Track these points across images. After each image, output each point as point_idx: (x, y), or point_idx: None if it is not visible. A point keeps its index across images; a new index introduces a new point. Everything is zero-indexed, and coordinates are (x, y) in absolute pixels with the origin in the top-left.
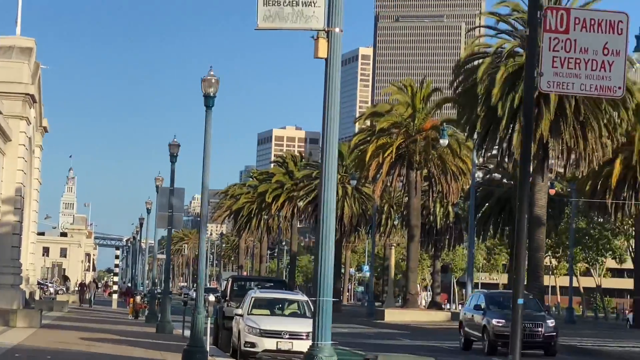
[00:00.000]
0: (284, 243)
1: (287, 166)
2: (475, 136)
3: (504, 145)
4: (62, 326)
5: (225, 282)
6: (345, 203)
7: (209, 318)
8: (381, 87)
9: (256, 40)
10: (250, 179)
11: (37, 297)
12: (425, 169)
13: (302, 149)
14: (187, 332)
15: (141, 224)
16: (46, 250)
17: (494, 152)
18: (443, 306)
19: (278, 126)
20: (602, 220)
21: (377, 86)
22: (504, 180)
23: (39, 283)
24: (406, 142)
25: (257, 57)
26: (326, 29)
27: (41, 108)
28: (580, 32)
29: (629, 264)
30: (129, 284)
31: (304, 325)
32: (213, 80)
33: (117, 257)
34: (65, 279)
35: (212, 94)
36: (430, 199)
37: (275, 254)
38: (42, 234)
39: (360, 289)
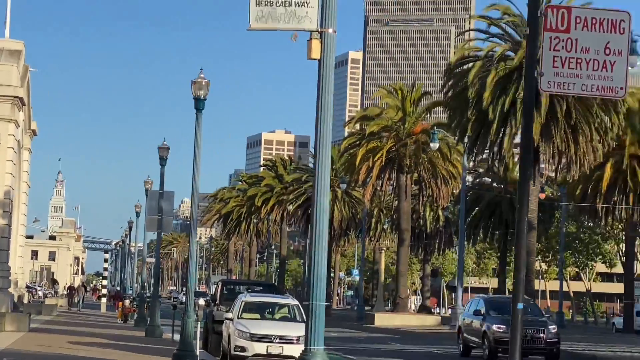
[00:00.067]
0: (273, 247)
1: (276, 170)
2: (465, 140)
3: (495, 149)
4: (51, 330)
5: (215, 285)
6: (335, 207)
7: (199, 322)
8: (371, 91)
9: (245, 44)
10: (240, 183)
11: (25, 301)
12: (416, 173)
13: (292, 153)
14: (177, 336)
15: (130, 228)
16: (35, 254)
17: (484, 156)
18: (432, 310)
19: (267, 130)
20: (592, 224)
21: (367, 90)
22: (494, 185)
23: (27, 286)
24: (396, 146)
25: (247, 60)
26: (319, 30)
27: (30, 111)
28: (582, 31)
29: (618, 269)
30: (118, 288)
31: (295, 330)
32: (203, 83)
33: (106, 260)
34: (54, 282)
35: (202, 97)
36: (421, 202)
37: (265, 258)
38: (31, 237)
39: (350, 293)
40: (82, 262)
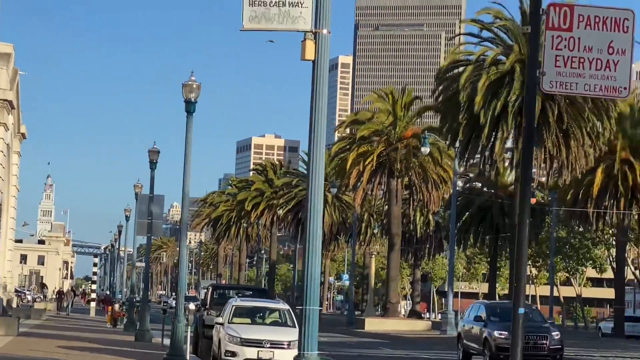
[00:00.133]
0: (263, 251)
1: (266, 174)
2: (457, 144)
3: (486, 153)
4: (40, 334)
5: (204, 290)
6: (326, 211)
7: (189, 326)
8: (361, 95)
9: (236, 47)
10: (230, 187)
11: (14, 305)
12: (406, 177)
13: (282, 157)
14: (167, 341)
15: (120, 232)
16: (24, 258)
17: (475, 160)
18: (423, 315)
19: (257, 134)
20: (582, 229)
21: (357, 95)
22: (485, 189)
23: (16, 291)
24: (387, 150)
25: (237, 64)
26: (313, 30)
27: (19, 114)
28: (585, 29)
29: (609, 274)
30: (107, 292)
31: (286, 334)
32: (194, 86)
33: (95, 265)
34: (43, 286)
35: (193, 100)
36: (411, 207)
37: (254, 263)
38: (20, 241)
39: (340, 297)
40: (71, 267)
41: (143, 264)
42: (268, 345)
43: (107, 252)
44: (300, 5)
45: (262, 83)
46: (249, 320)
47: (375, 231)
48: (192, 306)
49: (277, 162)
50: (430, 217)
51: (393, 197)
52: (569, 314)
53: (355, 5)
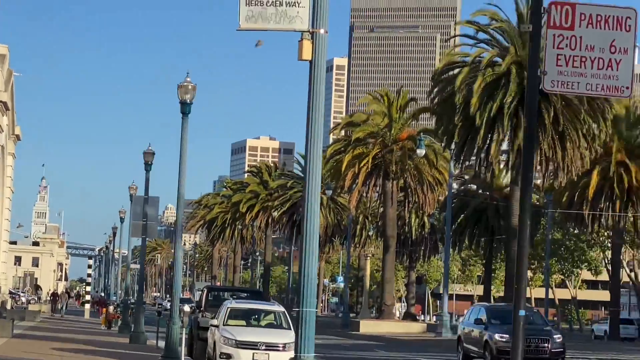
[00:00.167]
0: (257, 253)
1: (261, 176)
2: (452, 146)
3: (482, 155)
4: (34, 336)
5: (199, 292)
6: (321, 213)
7: (184, 328)
8: (356, 97)
9: (231, 49)
10: (224, 189)
11: (8, 307)
12: (402, 179)
13: (276, 159)
14: (161, 343)
15: (114, 234)
16: (18, 260)
17: (471, 162)
18: (417, 317)
19: (252, 136)
20: (577, 231)
21: (352, 97)
22: (480, 191)
23: (10, 292)
24: (382, 152)
25: (232, 66)
26: (311, 30)
27: (14, 116)
28: (586, 28)
29: (604, 276)
30: (102, 294)
31: (281, 337)
32: (190, 87)
33: (89, 266)
34: (37, 288)
35: (188, 101)
36: (406, 209)
37: (249, 265)
38: (14, 243)
39: (334, 299)
40: (65, 268)
41: (137, 266)
42: (263, 347)
43: (102, 254)
44: (297, 4)
45: (258, 85)
46: (244, 323)
47: (370, 233)
48: (187, 308)
49: (272, 164)
50: (426, 219)
51: (388, 199)
52: (564, 317)
53: (351, 7)
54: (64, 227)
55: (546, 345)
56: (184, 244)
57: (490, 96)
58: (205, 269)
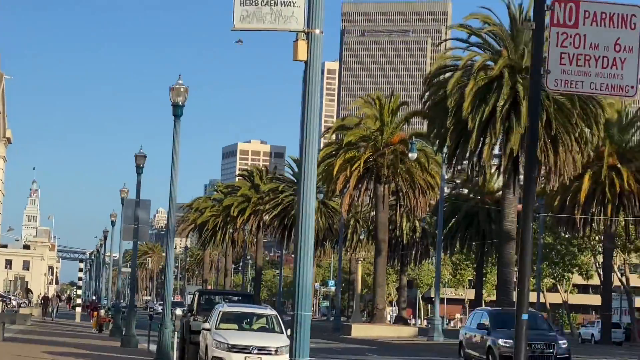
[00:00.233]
0: (248, 257)
1: (252, 180)
2: (444, 150)
3: (474, 159)
4: (25, 340)
5: (191, 296)
6: None
7: (176, 332)
8: (347, 101)
9: (222, 52)
10: (216, 193)
11: None
12: (393, 183)
13: (267, 163)
14: (153, 347)
15: (105, 237)
16: (9, 263)
17: (463, 166)
18: (409, 321)
19: (243, 140)
20: (569, 235)
21: (343, 101)
22: (471, 196)
23: (1, 296)
24: (374, 156)
25: (222, 71)
26: (306, 30)
27: (5, 119)
28: (591, 26)
29: (594, 280)
30: (93, 297)
31: (273, 340)
32: (182, 89)
33: (80, 270)
34: (28, 291)
35: (180, 103)
36: (398, 213)
37: (240, 268)
38: (5, 246)
39: (326, 303)
40: (56, 272)
41: (129, 270)
42: (256, 351)
43: (93, 258)
44: (292, 4)
45: (249, 89)
46: (236, 326)
47: (362, 237)
48: (178, 312)
49: (263, 168)
50: (417, 223)
51: (380, 203)
52: (555, 321)
53: (342, 11)
54: (54, 231)
55: (551, 350)
56: (175, 248)
57: (483, 100)
58: (197, 272)
